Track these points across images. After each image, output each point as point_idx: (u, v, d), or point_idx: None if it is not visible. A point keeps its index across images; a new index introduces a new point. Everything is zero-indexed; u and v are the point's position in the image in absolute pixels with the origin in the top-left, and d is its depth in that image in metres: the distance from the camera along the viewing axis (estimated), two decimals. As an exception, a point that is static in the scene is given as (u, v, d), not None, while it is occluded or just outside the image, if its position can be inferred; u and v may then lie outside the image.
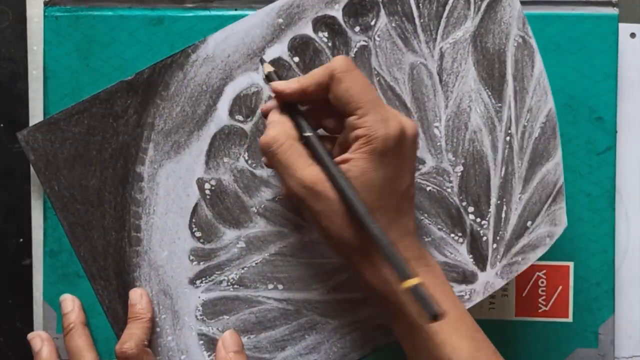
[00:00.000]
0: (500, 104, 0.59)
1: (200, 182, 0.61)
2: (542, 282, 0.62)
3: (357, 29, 0.60)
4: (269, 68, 0.58)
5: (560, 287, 0.63)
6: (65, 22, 0.62)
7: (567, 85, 0.62)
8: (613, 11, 0.61)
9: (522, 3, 0.61)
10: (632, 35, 0.63)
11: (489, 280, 0.59)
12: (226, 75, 0.60)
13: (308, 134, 0.54)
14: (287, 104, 0.55)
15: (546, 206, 0.59)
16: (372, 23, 0.60)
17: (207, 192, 0.61)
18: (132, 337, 0.59)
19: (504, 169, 0.59)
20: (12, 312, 0.65)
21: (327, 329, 0.61)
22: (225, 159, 0.60)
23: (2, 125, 0.64)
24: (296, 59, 0.60)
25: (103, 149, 0.61)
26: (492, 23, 0.59)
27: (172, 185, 0.61)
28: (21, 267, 0.65)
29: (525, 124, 0.59)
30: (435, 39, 0.60)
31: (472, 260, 0.60)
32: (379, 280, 0.53)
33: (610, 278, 0.62)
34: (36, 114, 0.64)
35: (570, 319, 0.62)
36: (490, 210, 0.60)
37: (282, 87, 0.55)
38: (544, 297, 0.63)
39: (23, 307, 0.64)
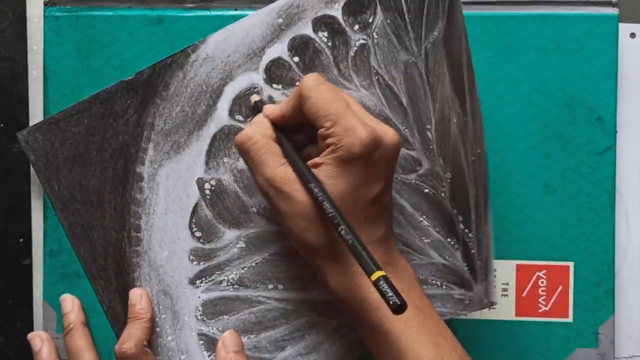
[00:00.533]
0: (465, 119, 0.59)
1: (200, 182, 0.61)
2: (542, 282, 0.62)
3: (357, 27, 0.60)
4: (255, 99, 0.59)
5: (560, 287, 0.63)
6: (65, 22, 0.62)
7: (567, 85, 0.62)
8: (613, 11, 0.61)
9: (523, 3, 0.61)
10: (632, 35, 0.63)
11: (480, 297, 0.60)
12: (226, 75, 0.60)
13: (279, 135, 0.55)
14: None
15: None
16: (370, 20, 0.60)
17: (207, 192, 0.61)
18: (131, 337, 0.59)
19: (475, 188, 0.59)
20: (12, 312, 0.65)
21: (327, 328, 0.61)
22: (225, 159, 0.60)
23: (2, 125, 0.64)
24: (296, 58, 0.60)
25: (103, 149, 0.61)
26: (453, 27, 0.59)
27: (172, 185, 0.61)
28: (21, 267, 0.65)
29: (479, 150, 0.60)
30: (421, 36, 0.60)
31: (467, 269, 0.60)
32: (342, 286, 0.54)
33: (610, 278, 0.62)
34: (36, 114, 0.64)
35: (570, 319, 0.62)
36: (472, 225, 0.60)
37: (267, 113, 0.57)
38: (544, 297, 0.63)
39: (23, 307, 0.65)
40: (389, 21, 0.60)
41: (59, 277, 0.63)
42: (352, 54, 0.60)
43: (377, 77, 0.60)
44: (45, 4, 0.62)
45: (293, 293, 0.61)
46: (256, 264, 0.61)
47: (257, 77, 0.60)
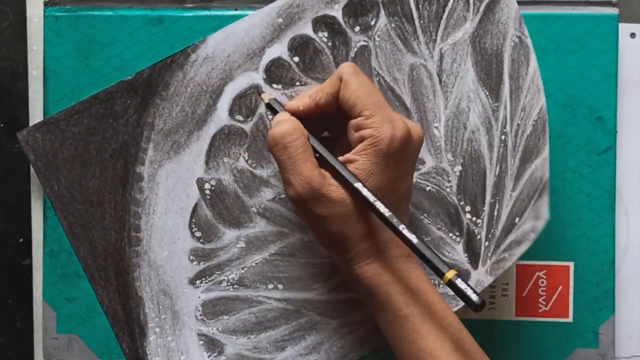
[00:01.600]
0: (497, 103, 0.59)
1: (200, 182, 0.61)
2: (542, 282, 0.62)
3: (357, 29, 0.60)
4: (268, 97, 0.58)
5: (560, 287, 0.63)
6: (65, 22, 0.62)
7: (567, 85, 0.62)
8: (613, 11, 0.61)
9: (522, 3, 0.61)
10: (632, 35, 0.63)
11: (480, 278, 0.59)
12: (226, 75, 0.60)
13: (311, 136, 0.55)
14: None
15: (532, 202, 0.59)
16: (372, 23, 0.60)
17: (207, 192, 0.61)
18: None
19: (498, 167, 0.59)
20: (12, 312, 0.65)
21: (327, 329, 0.61)
22: (225, 159, 0.60)
23: (2, 125, 0.64)
24: (296, 58, 0.60)
25: (103, 149, 0.61)
26: (490, 24, 0.59)
27: (172, 185, 0.61)
28: (21, 267, 0.65)
29: (519, 122, 0.59)
30: (435, 40, 0.60)
31: (466, 258, 0.60)
32: (369, 273, 0.53)
33: (610, 278, 0.62)
34: (36, 114, 0.64)
35: (570, 319, 0.62)
36: (484, 208, 0.60)
37: (296, 106, 0.56)
38: (544, 297, 0.63)
39: (23, 307, 0.65)
40: (393, 25, 0.60)
41: (59, 277, 0.63)
42: (352, 54, 0.60)
43: (377, 79, 0.60)
44: (45, 4, 0.62)
45: (293, 293, 0.61)
46: (256, 264, 0.61)
47: (257, 77, 0.60)
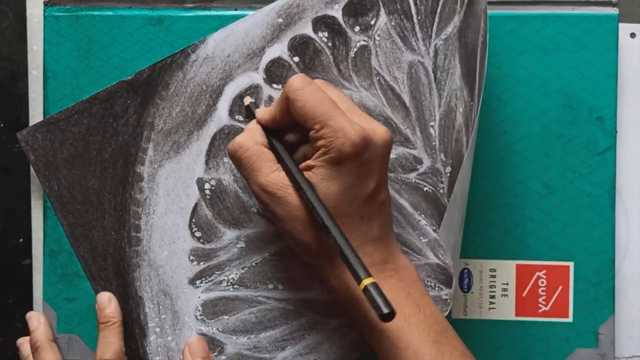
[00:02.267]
0: (472, 103, 0.59)
1: (200, 182, 0.61)
2: (542, 282, 0.62)
3: (357, 28, 0.60)
4: (247, 101, 0.59)
5: (560, 287, 0.63)
6: (65, 22, 0.62)
7: (567, 85, 0.62)
8: (613, 11, 0.61)
9: (522, 3, 0.61)
10: (632, 35, 0.63)
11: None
12: (226, 75, 0.60)
13: (272, 140, 0.55)
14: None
15: None
16: (372, 22, 0.60)
17: (207, 192, 0.61)
18: (110, 346, 0.59)
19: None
20: (12, 312, 0.65)
21: (327, 328, 0.61)
22: (225, 159, 0.60)
23: (2, 125, 0.64)
24: (296, 58, 0.60)
25: (103, 149, 0.61)
26: (471, 17, 0.59)
27: (172, 185, 0.61)
28: (21, 267, 0.65)
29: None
30: (431, 35, 0.60)
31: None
32: (342, 286, 0.54)
33: (610, 278, 0.62)
34: (36, 114, 0.64)
35: (570, 319, 0.62)
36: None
37: (259, 117, 0.56)
38: (544, 297, 0.63)
39: (23, 307, 0.64)
40: (393, 23, 0.60)
41: (59, 277, 0.63)
42: (352, 54, 0.60)
43: (378, 78, 0.60)
44: (45, 4, 0.62)
45: (293, 293, 0.61)
46: (256, 264, 0.61)
47: (257, 77, 0.60)
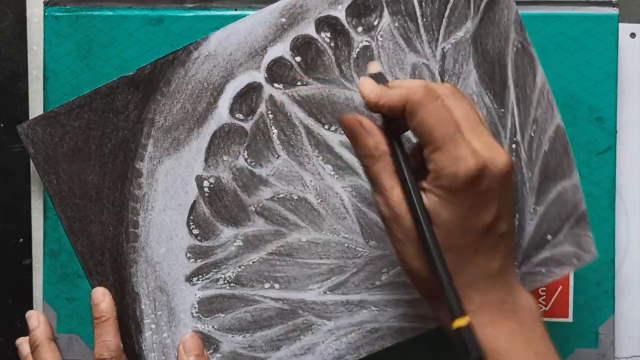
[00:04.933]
0: (502, 110, 0.59)
1: (199, 180, 0.61)
2: (542, 282, 0.62)
3: (360, 29, 0.60)
4: (376, 68, 0.55)
5: (560, 287, 0.62)
6: (65, 22, 0.62)
7: (567, 85, 0.62)
8: (613, 11, 0.61)
9: (522, 3, 0.61)
10: (632, 35, 0.63)
11: None
12: (227, 73, 0.60)
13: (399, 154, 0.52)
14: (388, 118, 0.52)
15: (568, 225, 0.58)
16: (375, 23, 0.60)
17: (206, 189, 0.61)
18: (106, 345, 0.59)
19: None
20: (12, 312, 0.65)
21: (322, 330, 0.61)
22: (225, 157, 0.61)
23: (2, 125, 0.64)
24: (298, 58, 0.60)
25: (103, 144, 0.61)
26: (490, 24, 0.59)
27: (170, 182, 0.61)
28: (21, 267, 0.65)
29: (532, 134, 0.59)
30: (437, 38, 0.60)
31: None
32: (448, 320, 0.50)
33: (610, 278, 0.62)
34: (36, 114, 0.64)
35: (570, 319, 0.62)
36: None
37: (366, 92, 0.52)
38: (544, 297, 0.62)
39: (23, 307, 0.64)
40: (396, 24, 0.60)
41: (59, 277, 0.63)
42: (354, 55, 0.60)
43: None
44: (45, 4, 0.62)
45: (289, 293, 0.61)
46: (253, 262, 0.61)
47: (258, 76, 0.60)
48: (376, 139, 0.51)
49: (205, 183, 0.61)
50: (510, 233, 0.51)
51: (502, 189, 0.50)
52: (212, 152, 0.61)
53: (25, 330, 0.63)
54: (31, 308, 0.64)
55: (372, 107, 0.52)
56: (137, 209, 0.61)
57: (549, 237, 0.59)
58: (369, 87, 0.52)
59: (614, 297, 0.62)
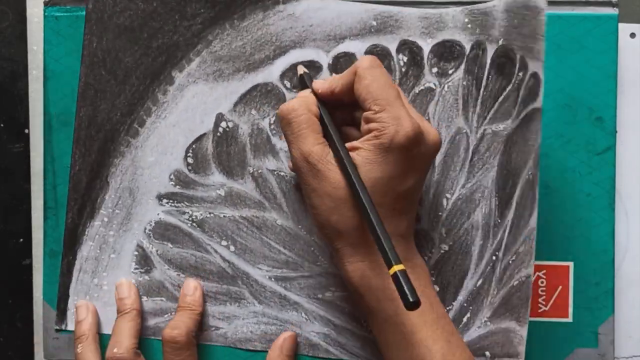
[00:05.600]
0: (500, 220, 0.60)
1: (219, 118, 0.61)
2: (542, 282, 0.62)
3: (435, 70, 0.60)
4: (302, 69, 0.59)
5: (560, 287, 0.63)
6: (65, 22, 0.62)
7: (567, 85, 0.62)
8: (613, 11, 0.61)
9: (522, 3, 0.61)
10: (632, 35, 0.63)
11: None
12: (299, 40, 0.61)
13: (324, 114, 0.55)
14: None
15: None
16: (450, 72, 0.60)
17: (220, 129, 0.61)
18: (183, 325, 0.59)
19: (480, 281, 0.60)
20: (12, 312, 0.65)
21: (249, 308, 0.61)
22: (253, 112, 0.61)
23: (2, 125, 0.64)
24: None
25: (154, 37, 0.61)
26: (522, 139, 0.59)
27: (193, 105, 0.61)
28: (21, 267, 0.65)
29: (510, 262, 0.60)
30: (485, 118, 0.60)
31: None
32: (359, 273, 0.54)
33: (610, 278, 0.62)
34: (36, 114, 0.64)
35: (570, 319, 0.62)
36: (453, 304, 0.60)
37: (316, 87, 0.56)
38: (544, 297, 0.62)
39: (23, 307, 0.64)
40: (465, 83, 0.60)
41: (59, 277, 0.63)
42: (417, 90, 0.60)
43: None
44: (45, 4, 0.62)
45: (239, 261, 0.61)
46: (224, 216, 0.61)
47: (324, 58, 0.61)
48: (301, 102, 0.55)
49: (223, 124, 0.61)
50: (417, 202, 0.56)
51: (429, 159, 0.55)
52: (244, 100, 0.61)
53: (25, 330, 0.63)
54: (31, 308, 0.64)
55: (329, 96, 0.56)
56: (151, 111, 0.61)
57: (487, 354, 0.59)
58: (319, 83, 0.56)
59: (613, 297, 0.62)
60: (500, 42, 0.59)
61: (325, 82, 0.56)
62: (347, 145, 0.54)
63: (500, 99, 0.60)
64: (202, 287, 0.61)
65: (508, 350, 0.59)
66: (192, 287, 0.61)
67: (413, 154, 0.53)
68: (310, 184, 0.54)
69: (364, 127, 0.54)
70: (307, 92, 0.57)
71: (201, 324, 0.61)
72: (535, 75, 0.59)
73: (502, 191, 0.60)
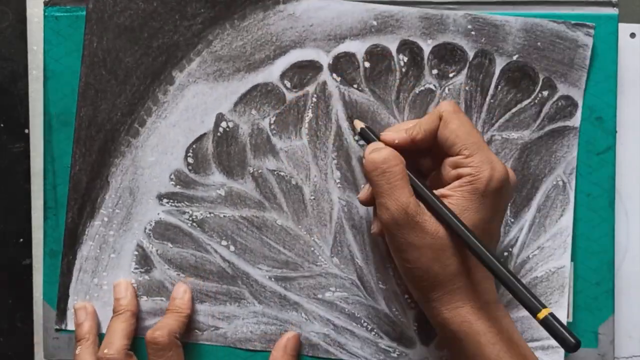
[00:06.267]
0: (513, 220, 0.61)
1: (220, 118, 0.61)
2: (542, 282, 0.62)
3: (435, 71, 0.60)
4: (360, 124, 0.59)
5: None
6: (65, 22, 0.62)
7: (567, 85, 0.62)
8: (613, 11, 0.61)
9: (523, 3, 0.61)
10: (632, 35, 0.63)
11: (428, 356, 0.61)
12: (299, 40, 0.61)
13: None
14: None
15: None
16: (451, 75, 0.60)
17: (221, 129, 0.61)
18: (165, 326, 0.59)
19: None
20: (12, 312, 0.65)
21: (249, 308, 0.62)
22: (253, 112, 0.61)
23: (2, 125, 0.64)
24: (367, 64, 0.60)
25: (155, 37, 0.61)
26: (545, 148, 0.60)
27: (194, 105, 0.61)
28: (21, 267, 0.65)
29: (530, 256, 0.60)
30: (493, 124, 0.60)
31: (415, 328, 0.61)
32: (457, 319, 0.53)
33: (610, 278, 0.62)
34: (36, 114, 0.64)
35: (570, 319, 0.62)
36: None
37: (391, 138, 0.56)
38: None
39: (23, 307, 0.64)
40: (467, 88, 0.60)
41: (59, 277, 0.63)
42: (417, 91, 0.60)
43: None
44: (45, 4, 0.62)
45: (239, 261, 0.62)
46: (224, 216, 0.61)
47: (324, 58, 0.61)
48: (394, 153, 0.54)
49: (223, 124, 0.61)
50: (499, 239, 0.57)
51: (509, 198, 0.56)
52: (245, 100, 0.61)
53: (25, 330, 0.63)
54: (31, 308, 0.64)
55: (408, 145, 0.55)
56: (151, 111, 0.61)
57: None
58: (391, 134, 0.56)
59: (613, 297, 0.62)
60: (515, 58, 0.60)
61: (399, 131, 0.56)
62: (436, 192, 0.54)
63: (514, 110, 0.60)
64: (191, 291, 0.61)
65: (532, 335, 0.61)
66: (181, 291, 0.61)
67: (503, 196, 0.53)
68: (407, 238, 0.52)
69: (452, 172, 0.53)
70: (382, 145, 0.55)
71: (188, 326, 0.61)
72: (568, 98, 0.60)
73: (516, 194, 0.60)
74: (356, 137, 0.60)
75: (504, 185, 0.53)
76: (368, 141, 0.57)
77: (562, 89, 0.60)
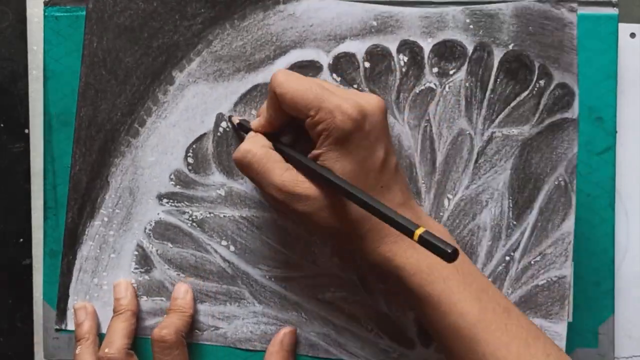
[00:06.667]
0: (515, 223, 0.60)
1: (220, 118, 0.61)
2: (542, 282, 0.62)
3: (435, 70, 0.60)
4: (237, 119, 0.60)
5: (560, 287, 0.62)
6: (65, 22, 0.62)
7: (567, 85, 0.62)
8: (613, 11, 0.61)
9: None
10: (632, 35, 0.63)
11: (427, 358, 0.61)
12: (299, 40, 0.61)
13: (281, 141, 0.56)
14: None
15: None
16: (451, 72, 0.60)
17: (221, 129, 0.61)
18: (172, 325, 0.59)
19: (489, 280, 0.60)
20: (12, 312, 0.65)
21: (249, 308, 0.62)
22: (254, 111, 0.61)
23: (2, 125, 0.64)
24: (367, 64, 0.60)
25: (155, 37, 0.61)
26: (546, 145, 0.60)
27: (194, 105, 0.61)
28: (21, 267, 0.65)
29: (532, 262, 0.60)
30: (494, 120, 0.60)
31: (415, 330, 0.61)
32: (380, 258, 0.55)
33: (610, 278, 0.62)
34: (36, 114, 0.64)
35: (570, 319, 0.62)
36: None
37: (255, 126, 0.57)
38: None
39: (23, 307, 0.65)
40: (467, 84, 0.60)
41: (59, 277, 0.63)
42: (417, 90, 0.60)
43: (426, 125, 0.60)
44: (45, 4, 0.62)
45: (239, 261, 0.61)
46: (224, 216, 0.61)
47: (324, 58, 0.61)
48: (250, 142, 0.55)
49: (223, 124, 0.61)
50: (399, 167, 0.56)
51: (383, 125, 0.54)
52: (245, 100, 0.61)
53: (25, 330, 0.63)
54: (31, 308, 0.64)
55: (270, 128, 0.56)
56: (151, 111, 0.61)
57: None
58: (256, 122, 0.57)
59: (613, 297, 0.62)
60: (511, 47, 0.60)
61: (259, 118, 0.57)
62: (309, 156, 0.54)
63: (514, 104, 0.60)
64: (192, 291, 0.61)
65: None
66: (182, 291, 0.61)
67: (366, 130, 0.53)
68: (298, 209, 0.54)
69: (313, 133, 0.54)
70: (251, 134, 0.57)
71: (191, 325, 0.61)
72: (564, 86, 0.59)
73: (518, 194, 0.60)
74: (237, 130, 0.61)
75: (360, 121, 0.52)
76: (247, 132, 0.58)
77: (557, 76, 0.59)
